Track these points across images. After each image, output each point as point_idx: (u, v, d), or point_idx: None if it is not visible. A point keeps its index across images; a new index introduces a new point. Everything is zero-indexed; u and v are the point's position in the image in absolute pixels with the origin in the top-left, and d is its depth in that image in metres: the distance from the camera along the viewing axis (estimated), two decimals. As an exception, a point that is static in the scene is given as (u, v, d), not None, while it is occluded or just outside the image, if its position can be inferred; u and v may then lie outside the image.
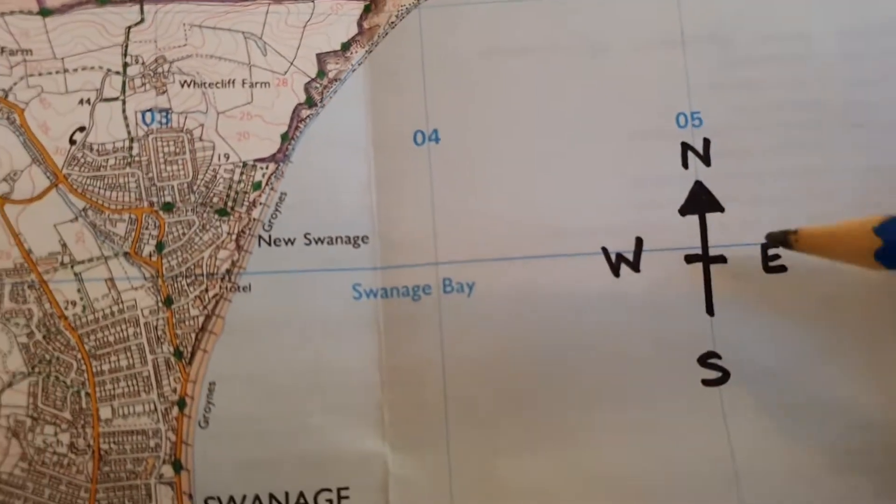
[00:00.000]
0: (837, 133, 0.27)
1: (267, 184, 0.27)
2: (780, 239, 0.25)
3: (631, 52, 0.28)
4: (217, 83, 0.27)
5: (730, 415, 0.26)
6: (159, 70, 0.27)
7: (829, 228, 0.24)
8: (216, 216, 0.26)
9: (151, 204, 0.26)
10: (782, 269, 0.27)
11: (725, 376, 0.26)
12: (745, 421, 0.26)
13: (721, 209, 0.27)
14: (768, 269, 0.27)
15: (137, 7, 0.27)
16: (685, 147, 0.27)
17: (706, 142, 0.27)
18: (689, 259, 0.27)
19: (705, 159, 0.27)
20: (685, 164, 0.27)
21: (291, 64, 0.27)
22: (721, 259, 0.27)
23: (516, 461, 0.26)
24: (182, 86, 0.27)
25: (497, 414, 0.26)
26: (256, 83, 0.27)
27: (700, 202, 0.27)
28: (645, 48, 0.28)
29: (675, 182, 0.27)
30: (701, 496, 0.26)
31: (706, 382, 0.26)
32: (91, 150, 0.26)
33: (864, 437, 0.26)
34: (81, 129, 0.26)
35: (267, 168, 0.27)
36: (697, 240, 0.27)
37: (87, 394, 0.25)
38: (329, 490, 0.25)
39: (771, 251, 0.27)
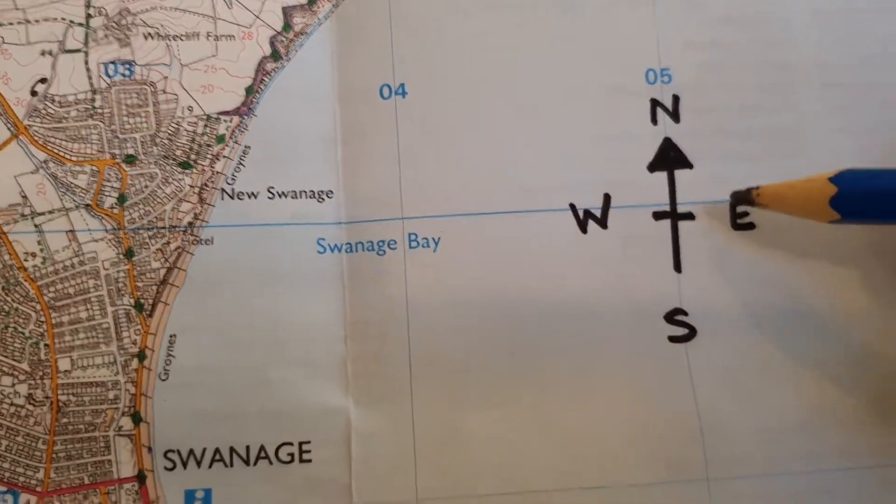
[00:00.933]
0: (807, 93, 0.28)
1: (231, 137, 0.27)
2: (743, 196, 0.25)
3: (601, 9, 0.28)
4: (181, 36, 0.27)
5: (695, 371, 0.26)
6: (123, 22, 0.27)
7: (789, 182, 0.24)
8: (179, 169, 0.27)
9: (114, 156, 0.26)
10: (750, 226, 0.27)
11: (692, 333, 0.27)
12: (711, 378, 0.26)
13: (690, 166, 0.27)
14: (736, 227, 0.27)
15: (101, -43, 0.27)
16: (654, 104, 0.28)
17: (675, 98, 0.28)
18: (658, 216, 0.27)
19: (674, 116, 0.28)
20: (654, 121, 0.28)
21: (257, 17, 0.27)
22: (689, 216, 0.27)
23: (481, 415, 0.26)
24: (146, 38, 0.27)
25: (462, 368, 0.26)
26: (221, 36, 0.27)
27: (669, 159, 0.27)
28: (615, 4, 0.28)
29: (643, 139, 0.27)
30: (666, 451, 0.26)
31: (673, 339, 0.27)
32: (53, 101, 0.26)
33: (831, 393, 0.26)
34: (43, 80, 0.27)
35: (231, 121, 0.27)
36: (666, 196, 0.27)
37: (46, 345, 0.25)
38: (290, 444, 0.26)
39: (739, 208, 0.27)
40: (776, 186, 0.25)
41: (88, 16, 0.27)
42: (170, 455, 0.25)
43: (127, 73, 0.27)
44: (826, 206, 0.23)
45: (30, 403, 0.25)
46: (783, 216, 0.26)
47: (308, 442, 0.26)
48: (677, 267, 0.27)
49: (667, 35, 0.28)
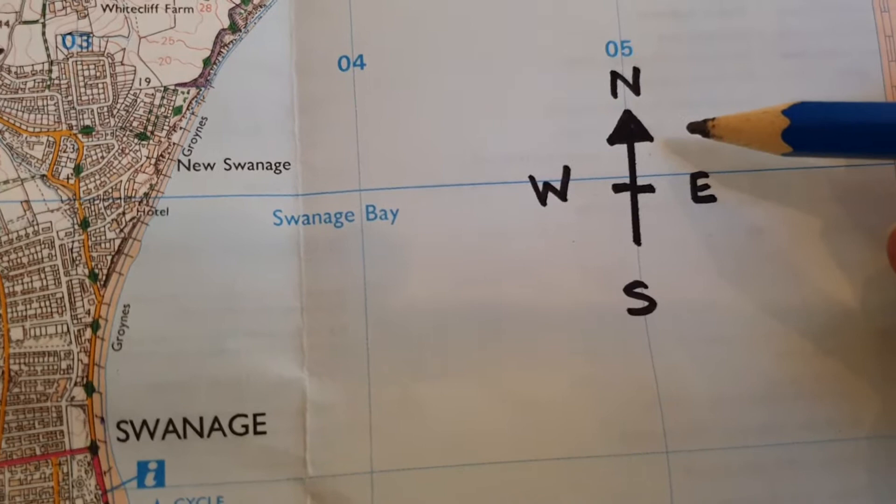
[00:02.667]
0: (767, 63, 0.28)
1: (188, 108, 0.28)
2: (699, 127, 0.26)
3: (560, -19, 0.29)
4: (139, 8, 0.28)
5: (654, 344, 0.27)
6: (81, -6, 0.28)
7: (744, 114, 0.26)
8: (136, 140, 0.27)
9: (70, 127, 0.27)
10: (711, 199, 0.28)
11: (651, 306, 0.27)
12: (670, 349, 0.27)
13: (650, 138, 0.28)
14: (697, 199, 0.28)
15: (59, -71, 0.28)
16: (614, 76, 0.28)
17: (636, 71, 0.28)
18: (617, 188, 0.28)
19: (635, 88, 0.28)
20: (614, 93, 0.28)
21: (216, -10, 0.28)
22: (649, 188, 0.28)
23: (437, 387, 0.27)
24: (104, 10, 0.28)
25: (418, 340, 0.27)
26: (179, 8, 0.28)
27: (629, 131, 0.28)
28: (575, -23, 0.29)
29: (603, 111, 0.28)
30: (624, 423, 0.27)
31: (632, 311, 0.27)
32: (9, 72, 0.27)
33: (791, 366, 0.27)
34: None
35: (188, 93, 0.28)
36: (626, 169, 0.28)
37: (-1, 314, 0.26)
38: (244, 416, 0.26)
39: (700, 181, 0.28)
40: (731, 118, 0.26)
41: (46, -13, 0.28)
42: (122, 426, 0.26)
43: (84, 44, 0.28)
44: (778, 138, 0.24)
45: (-19, 373, 0.26)
46: (744, 191, 0.27)
47: (263, 414, 0.26)
48: (637, 240, 0.28)
49: (627, 7, 0.29)
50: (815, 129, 0.24)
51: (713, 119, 0.26)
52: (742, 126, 0.25)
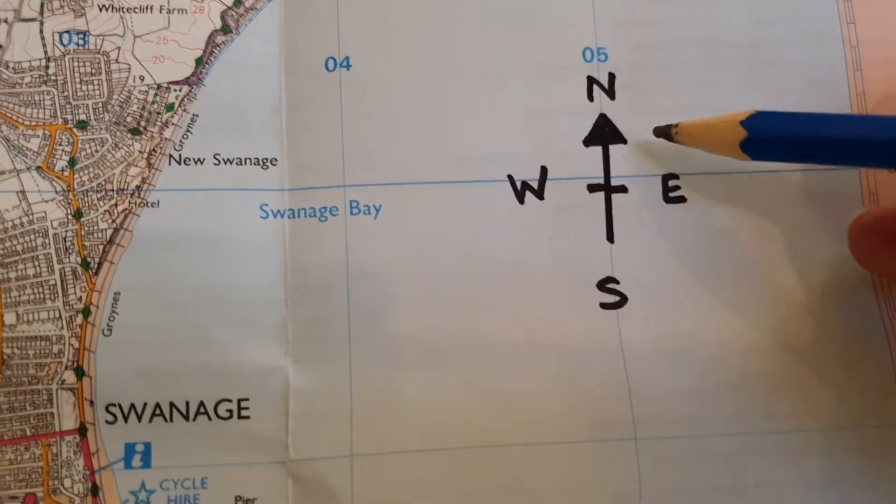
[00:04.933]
0: (737, 71, 0.31)
1: (180, 105, 0.30)
2: (664, 132, 0.29)
3: (541, -11, 0.31)
4: (135, 8, 0.30)
5: (625, 337, 0.29)
6: (79, -6, 0.30)
7: (704, 121, 0.28)
8: (129, 135, 0.29)
9: (66, 121, 0.29)
10: (681, 199, 0.30)
11: (623, 300, 0.29)
12: (640, 343, 0.29)
13: (624, 141, 0.30)
14: (668, 200, 0.30)
15: (59, -67, 0.30)
16: (591, 81, 0.31)
17: (611, 76, 0.31)
18: (592, 188, 0.30)
19: (610, 93, 0.31)
20: (590, 97, 0.31)
21: (209, -8, 0.30)
22: (622, 189, 0.30)
23: (415, 375, 0.29)
24: (100, 9, 0.30)
25: (400, 332, 0.29)
26: (174, 9, 0.30)
27: (604, 134, 0.30)
28: (554, -15, 0.31)
29: (580, 114, 0.30)
30: (594, 411, 0.29)
31: (604, 306, 0.29)
32: (7, 67, 0.29)
33: (756, 359, 0.29)
34: (-1, 47, 0.29)
35: (180, 90, 0.30)
36: (600, 170, 0.30)
37: (-7, 300, 0.28)
38: (229, 400, 0.28)
39: (671, 182, 0.30)
40: (693, 125, 0.28)
41: (45, -13, 0.30)
42: (111, 409, 0.28)
43: (81, 42, 0.30)
44: (737, 147, 0.27)
45: (-25, 355, 0.28)
46: (712, 192, 0.29)
47: (246, 399, 0.28)
48: (610, 237, 0.30)
49: (603, 14, 0.31)
50: (771, 140, 0.27)
51: (676, 125, 0.28)
52: (703, 133, 0.28)
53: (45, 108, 0.30)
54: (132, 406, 0.28)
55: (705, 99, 0.31)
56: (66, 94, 0.30)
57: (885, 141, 0.25)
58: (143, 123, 0.30)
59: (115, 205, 0.29)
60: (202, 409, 0.28)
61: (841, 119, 0.27)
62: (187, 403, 0.28)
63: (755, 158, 0.27)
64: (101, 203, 0.29)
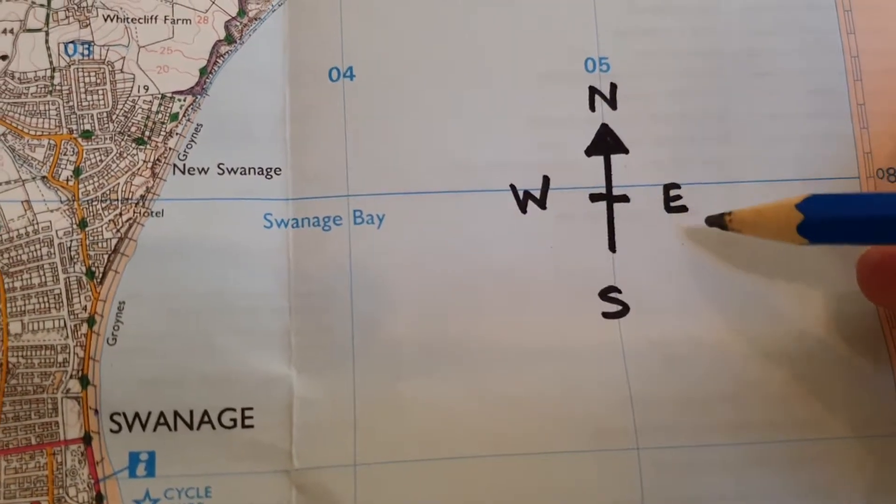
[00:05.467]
0: (738, 81, 0.31)
1: (184, 115, 0.30)
2: (716, 221, 0.29)
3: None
4: (139, 19, 0.31)
5: (627, 346, 0.29)
6: (83, 4, 0.30)
7: (756, 208, 0.28)
8: (133, 145, 0.30)
9: (71, 131, 0.30)
10: (683, 209, 0.30)
11: (625, 310, 0.30)
12: (642, 352, 0.29)
13: (625, 151, 0.31)
14: (669, 209, 0.30)
15: (65, -56, 0.30)
16: (593, 91, 0.31)
17: (613, 86, 0.31)
18: (594, 198, 0.30)
19: (611, 103, 0.31)
20: (592, 107, 0.31)
21: (213, 3, 0.31)
22: (624, 198, 0.30)
23: (418, 384, 0.29)
24: (105, 20, 0.30)
25: (402, 340, 0.29)
26: (178, 20, 0.31)
27: (605, 144, 0.31)
28: (556, -4, 0.31)
29: (582, 124, 0.31)
30: (596, 421, 0.29)
31: (606, 315, 0.30)
32: (13, 77, 0.30)
33: (761, 368, 0.29)
34: (3, 57, 0.30)
35: (185, 100, 0.30)
36: (602, 179, 0.31)
37: (-2, 309, 0.28)
38: (233, 409, 0.28)
39: (672, 192, 0.30)
40: (746, 212, 0.28)
41: (50, -2, 0.30)
42: (115, 418, 0.28)
43: (86, 52, 0.30)
44: (794, 231, 0.26)
45: (-20, 364, 0.28)
46: (714, 202, 0.30)
47: (251, 408, 0.29)
48: (612, 247, 0.30)
49: (605, 25, 0.31)
50: (829, 224, 0.26)
51: (730, 213, 0.29)
52: (757, 220, 0.28)
53: (50, 118, 0.30)
54: (136, 415, 0.28)
55: (706, 106, 0.31)
56: (70, 104, 0.30)
57: None
58: (147, 133, 0.30)
59: (120, 214, 0.29)
60: (206, 418, 0.29)
61: None
62: (191, 412, 0.29)
63: (814, 242, 0.26)
64: (106, 213, 0.29)
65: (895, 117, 0.31)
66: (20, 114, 0.30)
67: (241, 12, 0.31)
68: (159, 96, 0.30)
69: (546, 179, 0.31)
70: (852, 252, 0.29)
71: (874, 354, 0.30)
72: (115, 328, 0.29)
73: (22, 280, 0.29)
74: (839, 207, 0.26)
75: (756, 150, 0.31)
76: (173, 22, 0.31)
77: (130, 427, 0.28)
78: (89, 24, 0.31)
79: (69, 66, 0.30)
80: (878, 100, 0.31)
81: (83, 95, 0.30)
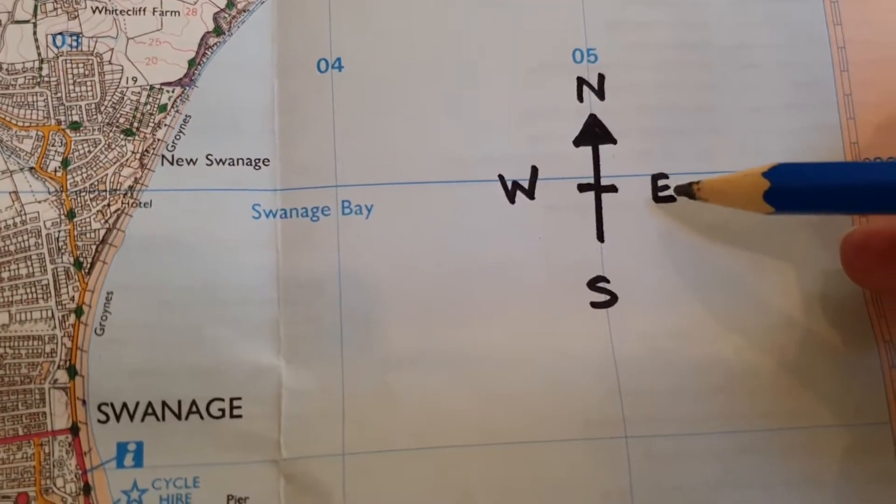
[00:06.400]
0: (726, 73, 0.31)
1: (172, 106, 0.30)
2: (685, 190, 0.29)
3: (530, -10, 0.31)
4: (128, 10, 0.31)
5: (616, 336, 0.30)
6: (72, -4, 0.30)
7: (724, 177, 0.28)
8: (122, 136, 0.30)
9: (59, 122, 0.30)
10: (671, 199, 0.30)
11: (613, 299, 0.30)
12: (630, 342, 0.30)
13: (613, 141, 0.31)
14: (657, 199, 0.31)
15: (53, -64, 0.30)
16: (581, 81, 0.31)
17: (601, 77, 0.31)
18: (582, 188, 0.31)
19: (599, 94, 0.31)
20: (580, 98, 0.31)
21: (202, -5, 0.31)
22: (612, 188, 0.31)
23: (407, 374, 0.29)
24: (94, 12, 0.31)
25: (391, 331, 0.29)
26: (167, 11, 0.31)
27: (594, 134, 0.31)
28: (544, -13, 0.32)
29: (570, 114, 0.31)
30: (585, 410, 0.29)
31: (595, 305, 0.30)
32: (1, 69, 0.30)
33: (749, 359, 0.30)
34: (-8, 48, 0.30)
35: (173, 91, 0.30)
36: (590, 170, 0.31)
37: (-14, 299, 0.28)
38: (221, 399, 0.28)
39: (660, 182, 0.30)
40: (715, 181, 0.29)
41: (38, -11, 0.30)
42: (103, 408, 0.28)
43: (74, 44, 0.30)
44: (761, 199, 0.26)
45: (-32, 355, 0.28)
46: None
47: (239, 398, 0.29)
48: (600, 237, 0.30)
49: (592, 16, 0.31)
50: (795, 191, 0.26)
51: (698, 182, 0.29)
52: (725, 188, 0.28)
53: (38, 110, 0.30)
54: (124, 405, 0.29)
55: (693, 97, 0.31)
56: (59, 95, 0.30)
57: None
58: (135, 124, 0.30)
59: (108, 205, 0.30)
60: (194, 409, 0.29)
61: (864, 167, 0.27)
62: (179, 402, 0.29)
63: (780, 210, 0.27)
64: (94, 203, 0.30)
65: (881, 107, 0.31)
66: (8, 105, 0.30)
67: (230, 4, 0.31)
68: (148, 87, 0.30)
69: (534, 170, 0.31)
70: (837, 237, 0.29)
71: (861, 343, 0.30)
72: (103, 318, 0.29)
73: (9, 271, 0.29)
74: (805, 176, 0.26)
75: (744, 140, 0.31)
76: (162, 13, 0.31)
77: (118, 417, 0.28)
78: (77, 15, 0.31)
79: (57, 57, 0.30)
80: (864, 90, 0.31)
81: (71, 87, 0.30)
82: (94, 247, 0.29)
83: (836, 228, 0.30)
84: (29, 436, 0.28)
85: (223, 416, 0.29)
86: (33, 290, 0.29)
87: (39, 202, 0.29)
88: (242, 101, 0.31)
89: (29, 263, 0.29)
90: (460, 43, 0.31)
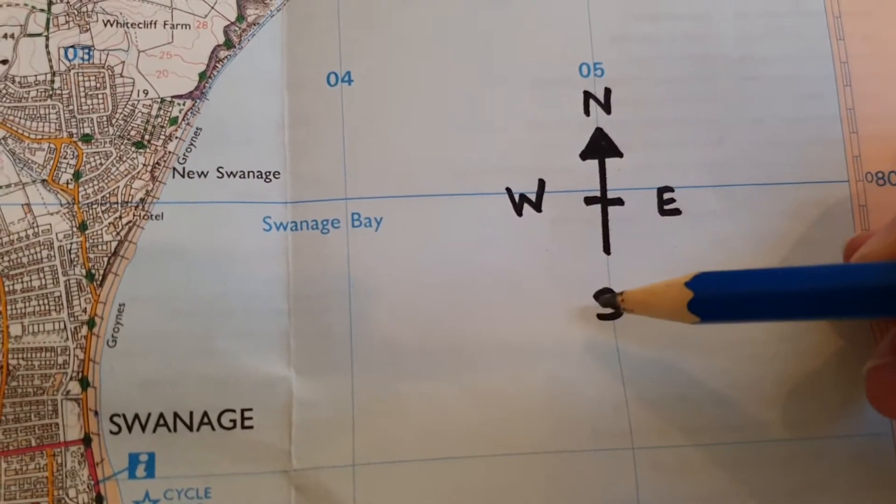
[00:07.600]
0: (729, 86, 0.32)
1: (183, 119, 0.30)
2: (609, 301, 0.29)
3: (538, 5, 0.32)
4: (139, 24, 0.31)
5: (622, 347, 0.30)
6: (83, 9, 0.31)
7: (647, 287, 0.27)
8: (133, 148, 0.30)
9: (71, 135, 0.30)
10: (676, 212, 0.31)
11: (619, 311, 0.30)
12: (637, 353, 0.30)
13: (620, 154, 0.31)
14: (663, 212, 0.31)
15: (65, -50, 0.31)
16: (587, 95, 0.32)
17: (607, 91, 0.32)
18: (589, 201, 0.31)
19: (606, 107, 0.32)
20: (587, 112, 0.31)
21: (212, 8, 0.31)
22: (618, 201, 0.31)
23: (416, 385, 0.29)
24: (105, 25, 0.31)
25: (400, 342, 0.30)
26: (177, 25, 0.31)
27: (600, 148, 0.31)
28: (551, 2, 0.32)
29: (577, 128, 0.31)
30: (592, 421, 0.29)
31: (601, 317, 0.30)
32: (13, 82, 0.30)
33: (754, 369, 0.30)
34: (4, 61, 0.30)
35: (184, 104, 0.31)
36: (597, 183, 0.31)
37: (-1, 311, 0.28)
38: (233, 410, 0.29)
39: (666, 195, 0.31)
40: (637, 292, 0.28)
41: (50, 2, 0.31)
42: (115, 419, 0.29)
43: (86, 57, 0.31)
44: (685, 310, 0.25)
45: (-19, 366, 0.28)
46: (707, 204, 0.30)
47: (250, 409, 0.29)
48: (607, 249, 0.31)
49: (599, 31, 0.32)
50: (719, 298, 0.26)
51: (622, 293, 0.28)
52: (649, 300, 0.27)
53: (50, 122, 0.30)
54: (136, 416, 0.29)
55: (698, 110, 0.32)
56: (71, 107, 0.30)
57: (835, 291, 0.25)
58: (146, 137, 0.31)
59: (120, 217, 0.30)
60: (206, 420, 0.29)
61: (788, 273, 0.26)
62: (191, 413, 0.29)
63: (706, 320, 0.26)
64: (106, 215, 0.30)
65: (883, 121, 0.32)
66: (20, 117, 0.30)
67: (240, 17, 0.32)
68: (159, 100, 0.31)
69: (541, 183, 0.31)
70: (838, 251, 0.30)
71: (864, 354, 0.30)
72: (115, 330, 0.29)
73: (22, 283, 0.29)
74: (729, 283, 0.26)
75: (748, 153, 0.32)
76: (173, 27, 0.31)
77: (130, 428, 0.29)
78: (89, 28, 0.31)
79: (69, 70, 0.31)
80: (866, 104, 0.32)
81: (83, 99, 0.31)
82: (105, 259, 0.30)
83: (838, 231, 0.31)
84: (42, 447, 0.29)
85: (234, 426, 0.29)
86: (46, 301, 0.29)
87: (52, 214, 0.30)
88: (253, 114, 0.31)
89: (41, 275, 0.29)
90: (468, 57, 0.32)
